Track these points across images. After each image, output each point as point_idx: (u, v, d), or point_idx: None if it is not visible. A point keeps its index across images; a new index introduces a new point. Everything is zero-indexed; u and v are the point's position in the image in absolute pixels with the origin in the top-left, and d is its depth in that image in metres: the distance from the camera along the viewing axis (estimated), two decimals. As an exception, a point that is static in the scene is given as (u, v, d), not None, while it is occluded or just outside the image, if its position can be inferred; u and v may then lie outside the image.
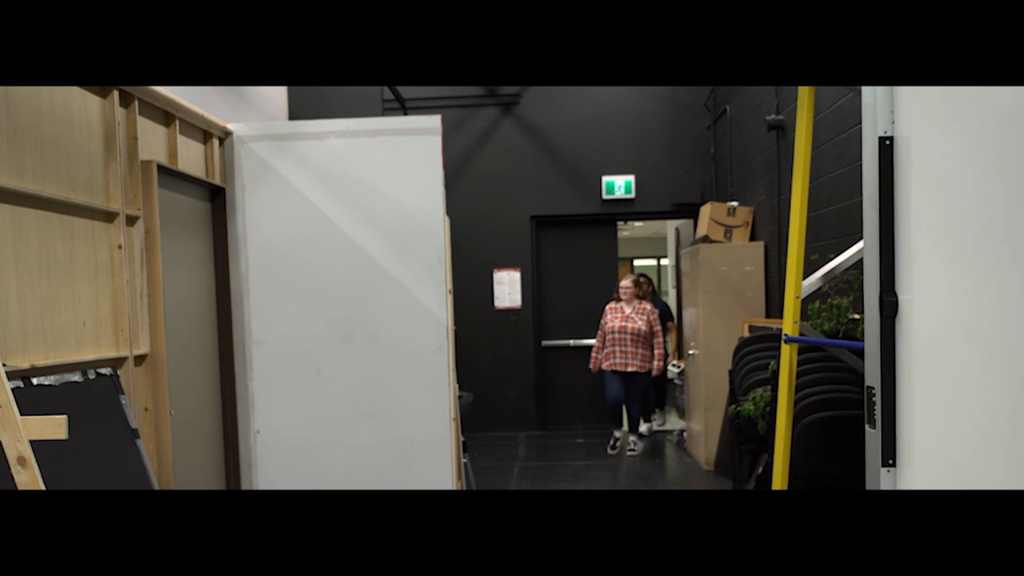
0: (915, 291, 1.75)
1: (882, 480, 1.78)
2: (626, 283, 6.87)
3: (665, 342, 7.22)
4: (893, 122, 1.75)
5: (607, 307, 6.93)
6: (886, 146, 1.75)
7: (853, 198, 4.44)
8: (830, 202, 4.76)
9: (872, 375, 1.81)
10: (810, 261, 3.83)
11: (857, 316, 3.89)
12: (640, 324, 6.67)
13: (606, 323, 6.84)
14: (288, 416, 4.08)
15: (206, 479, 3.90)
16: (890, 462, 1.78)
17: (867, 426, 1.85)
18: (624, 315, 6.74)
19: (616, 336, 6.73)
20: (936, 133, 1.73)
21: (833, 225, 4.73)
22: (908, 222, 1.74)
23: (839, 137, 4.63)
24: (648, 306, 6.80)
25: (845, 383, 3.74)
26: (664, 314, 7.36)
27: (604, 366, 6.85)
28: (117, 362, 3.09)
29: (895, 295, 1.77)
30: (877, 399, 1.79)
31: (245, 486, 4.11)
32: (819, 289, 3.37)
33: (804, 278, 3.07)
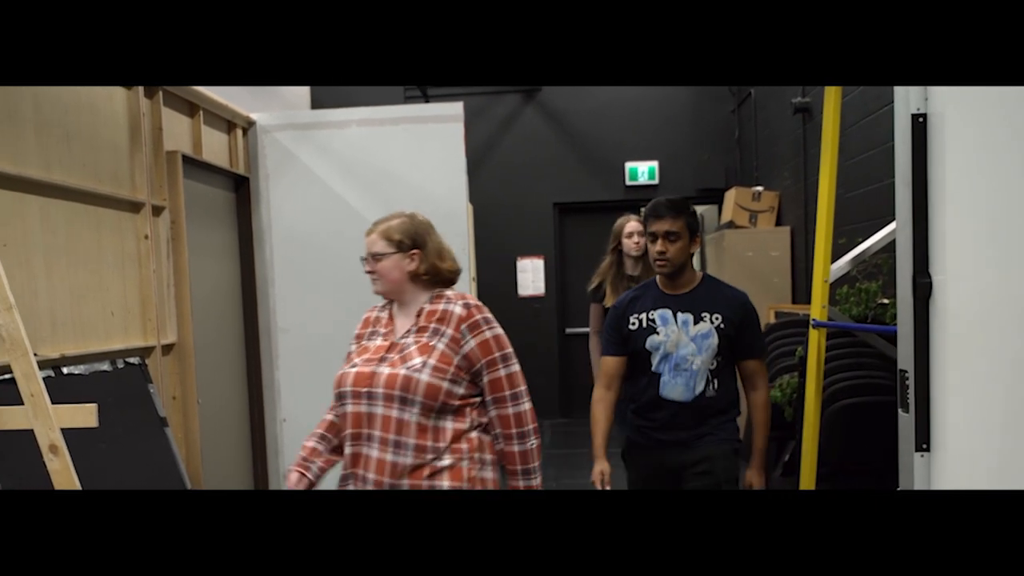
0: (949, 272, 1.71)
1: (916, 465, 1.75)
2: (389, 226, 2.19)
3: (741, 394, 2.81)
4: (926, 99, 1.71)
5: (366, 316, 2.36)
6: (919, 123, 1.71)
7: (882, 181, 4.38)
8: (857, 185, 4.69)
9: (905, 358, 1.78)
10: (838, 245, 3.78)
11: (886, 301, 3.84)
12: (420, 372, 2.04)
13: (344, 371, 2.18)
14: (314, 405, 4.07)
15: (233, 467, 3.93)
16: (924, 447, 1.75)
17: (900, 410, 1.82)
18: (385, 344, 2.17)
19: (351, 409, 2.10)
20: (972, 110, 1.68)
21: (861, 208, 4.66)
22: (943, 201, 1.70)
23: (866, 119, 4.56)
24: (459, 311, 2.13)
25: (874, 369, 3.69)
26: (745, 321, 2.70)
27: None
28: (145, 351, 3.12)
29: (929, 276, 1.73)
30: (910, 383, 1.75)
31: (271, 474, 4.14)
32: (847, 273, 3.33)
33: (832, 262, 3.03)
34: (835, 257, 3.10)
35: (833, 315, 3.18)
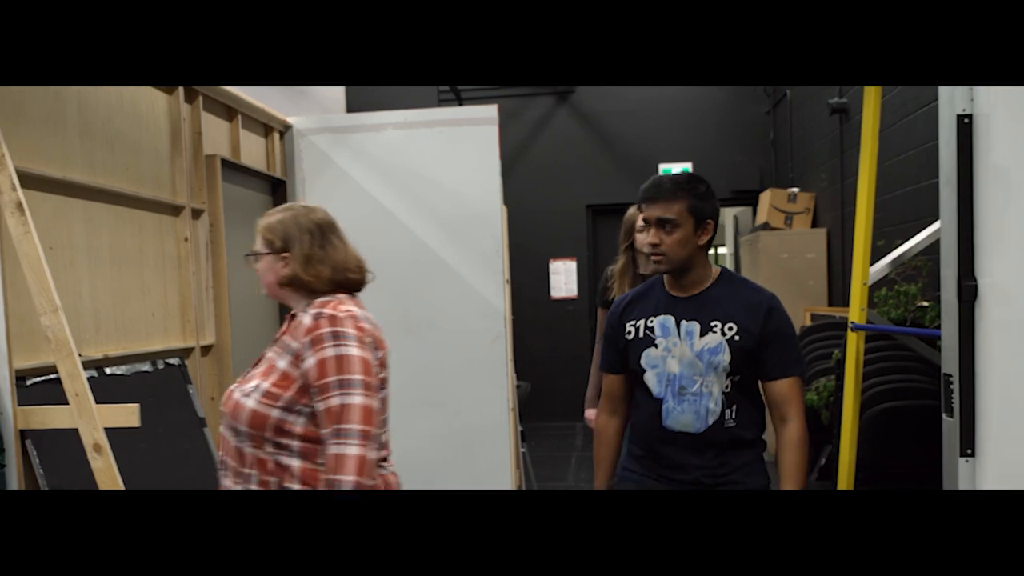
0: (996, 275, 1.68)
1: (960, 471, 1.72)
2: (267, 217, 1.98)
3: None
4: (972, 99, 1.68)
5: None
6: (964, 124, 1.68)
7: (920, 182, 4.31)
8: (896, 186, 4.63)
9: (950, 362, 1.75)
10: (875, 247, 3.73)
11: (925, 303, 3.78)
12: (248, 397, 1.78)
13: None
14: (349, 405, 4.12)
15: (270, 467, 3.97)
16: (968, 452, 1.72)
17: (944, 415, 1.79)
18: (257, 358, 1.96)
19: (220, 431, 1.89)
20: (1019, 110, 1.66)
21: (899, 210, 4.60)
22: (989, 203, 1.67)
23: (905, 120, 4.50)
24: (307, 321, 1.79)
25: (913, 372, 3.64)
26: (770, 330, 2.10)
27: None
28: (184, 352, 3.16)
29: (974, 279, 1.70)
30: (955, 387, 1.73)
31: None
32: (886, 276, 3.28)
33: (870, 264, 2.98)
34: (873, 259, 3.06)
35: (872, 318, 3.14)
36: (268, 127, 3.99)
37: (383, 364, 1.88)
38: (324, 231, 1.93)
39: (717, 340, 2.06)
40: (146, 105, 3.02)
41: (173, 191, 3.17)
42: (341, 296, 1.89)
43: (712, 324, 2.08)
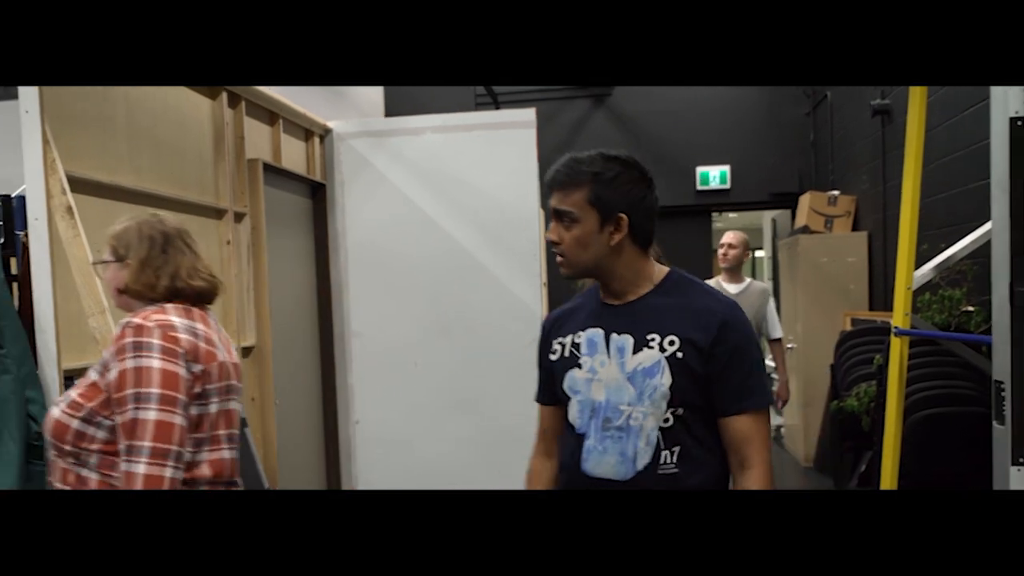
0: (1049, 280, 1.65)
1: (1012, 479, 1.69)
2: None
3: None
4: (1025, 101, 1.66)
5: None
6: (1018, 127, 1.65)
7: (966, 184, 4.23)
8: (939, 189, 4.55)
9: (1001, 369, 1.72)
10: (919, 251, 3.67)
11: (971, 308, 3.71)
12: (57, 405, 1.77)
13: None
14: (386, 407, 4.15)
15: (307, 468, 4.01)
16: (1020, 460, 1.69)
17: (995, 422, 1.76)
18: None
19: None
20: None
21: (942, 213, 4.52)
22: (1042, 207, 1.64)
23: (950, 121, 4.42)
24: (116, 330, 1.74)
25: (956, 378, 3.58)
26: (725, 348, 1.61)
27: None
28: (227, 354, 3.20)
29: (1027, 284, 1.68)
30: (1007, 394, 1.69)
31: (344, 476, 4.21)
32: (930, 280, 3.23)
33: (915, 268, 2.94)
34: (917, 263, 3.01)
35: (916, 322, 3.08)
36: (308, 131, 4.03)
37: (206, 377, 1.75)
38: (168, 239, 1.86)
39: (654, 358, 1.60)
40: (190, 110, 3.07)
41: (216, 195, 3.22)
42: (167, 305, 1.79)
43: (649, 338, 1.62)
